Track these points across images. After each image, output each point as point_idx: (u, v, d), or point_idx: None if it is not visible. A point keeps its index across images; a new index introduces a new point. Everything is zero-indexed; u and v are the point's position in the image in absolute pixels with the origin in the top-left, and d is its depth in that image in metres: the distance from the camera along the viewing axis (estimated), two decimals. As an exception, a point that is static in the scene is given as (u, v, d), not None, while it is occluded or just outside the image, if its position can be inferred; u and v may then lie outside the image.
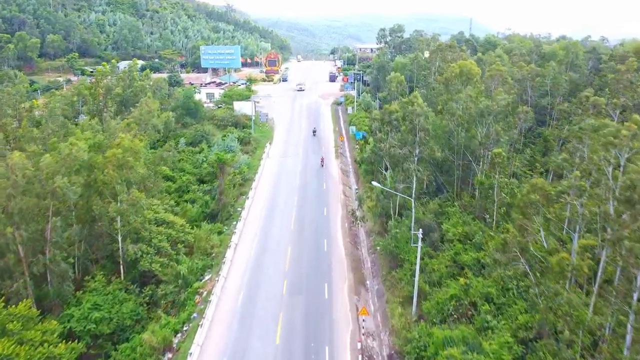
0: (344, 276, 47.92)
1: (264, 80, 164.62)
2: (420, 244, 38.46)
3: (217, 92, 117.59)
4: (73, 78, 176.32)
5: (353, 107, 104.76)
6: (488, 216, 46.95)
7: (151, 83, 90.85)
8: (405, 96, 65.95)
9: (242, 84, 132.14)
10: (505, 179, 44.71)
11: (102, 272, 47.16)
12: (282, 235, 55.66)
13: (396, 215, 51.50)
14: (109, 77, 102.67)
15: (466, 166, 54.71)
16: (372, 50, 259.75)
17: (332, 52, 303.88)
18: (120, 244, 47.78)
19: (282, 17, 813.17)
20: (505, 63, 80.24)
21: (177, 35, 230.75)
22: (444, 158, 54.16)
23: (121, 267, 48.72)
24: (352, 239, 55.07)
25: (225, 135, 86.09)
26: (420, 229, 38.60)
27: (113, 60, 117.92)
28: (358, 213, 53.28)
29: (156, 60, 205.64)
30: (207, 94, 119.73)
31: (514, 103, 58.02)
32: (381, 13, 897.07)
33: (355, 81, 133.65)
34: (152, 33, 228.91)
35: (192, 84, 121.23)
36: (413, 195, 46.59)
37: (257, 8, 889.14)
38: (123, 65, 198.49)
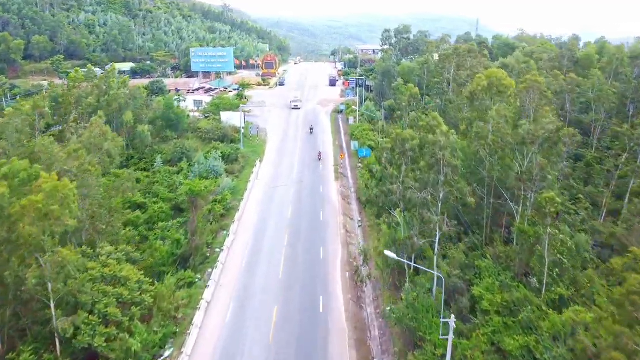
0: (345, 354, 36.36)
1: (259, 84, 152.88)
2: (451, 335, 26.99)
3: (206, 100, 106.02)
4: (58, 82, 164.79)
5: (355, 118, 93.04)
6: (535, 279, 35.28)
7: (127, 91, 79.16)
8: (419, 108, 54.46)
9: (234, 89, 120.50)
10: (559, 232, 33.03)
11: (32, 347, 35.90)
12: (268, 289, 44.06)
13: (411, 269, 39.87)
14: (86, 83, 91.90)
15: (499, 204, 43.08)
16: (374, 51, 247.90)
17: (333, 54, 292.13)
18: (53, 312, 36.33)
19: (282, 18, 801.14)
20: (532, 69, 68.54)
21: (171, 36, 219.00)
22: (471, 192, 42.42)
23: (57, 339, 37.25)
24: (355, 294, 43.46)
25: (208, 153, 74.54)
26: (451, 314, 27.03)
27: (89, 65, 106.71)
28: (363, 270, 41.61)
29: (148, 62, 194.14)
30: (194, 101, 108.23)
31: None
32: (382, 13, 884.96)
33: (357, 87, 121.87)
34: (144, 34, 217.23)
35: (178, 91, 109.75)
36: (435, 251, 34.97)
37: (258, 8, 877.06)
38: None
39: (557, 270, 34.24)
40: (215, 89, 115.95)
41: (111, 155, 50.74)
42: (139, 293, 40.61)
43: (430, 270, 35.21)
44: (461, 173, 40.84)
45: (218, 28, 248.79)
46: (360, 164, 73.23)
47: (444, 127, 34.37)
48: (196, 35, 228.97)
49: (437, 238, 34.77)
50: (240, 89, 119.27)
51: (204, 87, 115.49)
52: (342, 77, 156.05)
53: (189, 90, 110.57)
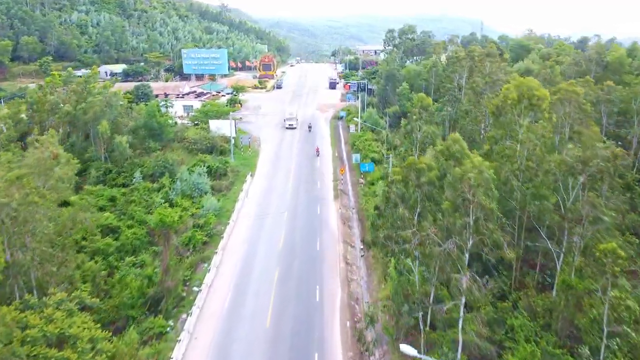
0: None
1: (255, 87, 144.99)
2: None
3: (197, 105, 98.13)
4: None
5: (356, 126, 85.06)
6: (586, 349, 27.35)
7: (104, 98, 71.17)
8: (431, 122, 46.57)
9: (228, 93, 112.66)
10: (623, 296, 25.12)
11: None
12: (252, 344, 36.20)
13: (427, 327, 31.98)
14: (65, 88, 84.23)
15: (532, 239, 35.19)
16: (375, 52, 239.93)
17: (333, 54, 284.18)
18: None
19: (282, 18, 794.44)
20: (556, 75, 60.64)
21: (166, 37, 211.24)
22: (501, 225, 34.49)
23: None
24: (357, 352, 35.57)
25: (193, 167, 66.71)
26: None
27: (69, 68, 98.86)
28: (368, 334, 33.71)
29: (141, 64, 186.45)
30: (184, 106, 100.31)
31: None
32: (382, 14, 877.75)
33: (359, 90, 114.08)
34: (139, 34, 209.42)
35: (166, 96, 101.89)
36: (461, 314, 27.11)
37: (258, 9, 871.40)
38: (104, 70, 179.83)
39: (617, 340, 26.38)
40: (207, 93, 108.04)
41: (64, 181, 42.67)
42: (91, 355, 32.76)
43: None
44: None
45: (215, 28, 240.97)
46: (362, 180, 65.30)
47: (477, 159, 26.37)
48: (192, 36, 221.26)
49: (463, 300, 26.84)
50: (234, 93, 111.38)
51: (195, 91, 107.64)
52: (343, 80, 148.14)
53: (178, 95, 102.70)
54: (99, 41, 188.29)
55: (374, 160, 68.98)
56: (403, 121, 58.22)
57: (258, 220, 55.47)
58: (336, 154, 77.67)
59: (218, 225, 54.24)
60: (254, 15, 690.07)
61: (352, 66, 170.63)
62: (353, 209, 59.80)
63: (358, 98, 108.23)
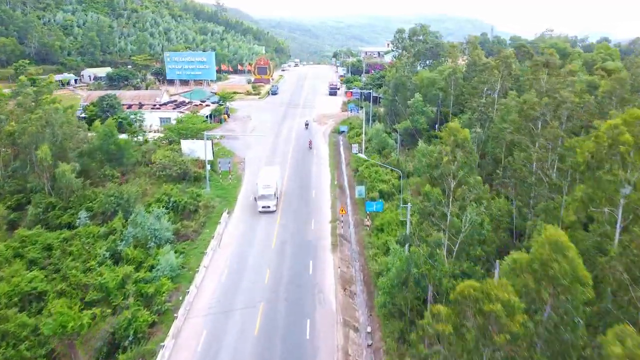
0: None
1: (248, 93, 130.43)
2: None
3: (174, 117, 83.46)
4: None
5: (360, 145, 70.25)
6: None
7: (47, 115, 56.47)
8: (467, 163, 31.86)
9: (214, 102, 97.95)
10: None
11: None
12: None
13: None
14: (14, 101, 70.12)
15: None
16: (379, 53, 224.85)
17: (335, 56, 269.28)
18: None
19: (284, 18, 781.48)
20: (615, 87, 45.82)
21: (157, 38, 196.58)
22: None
23: None
24: None
25: (155, 204, 52.29)
26: None
27: (22, 77, 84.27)
28: None
29: (129, 67, 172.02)
30: (161, 119, 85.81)
31: None
32: (385, 14, 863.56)
33: (362, 99, 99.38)
34: (128, 35, 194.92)
35: (141, 106, 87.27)
36: None
37: (259, 9, 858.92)
38: (87, 73, 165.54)
39: None
40: (189, 102, 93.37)
41: None
42: None
43: None
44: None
45: (210, 29, 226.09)
46: (368, 221, 50.64)
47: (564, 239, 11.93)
48: (185, 37, 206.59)
49: None
50: (220, 102, 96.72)
51: (175, 101, 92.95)
52: (344, 85, 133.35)
53: (154, 106, 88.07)
54: (84, 42, 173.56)
55: (382, 194, 54.30)
56: (420, 155, 43.57)
57: (228, 286, 40.77)
58: (335, 182, 62.89)
59: (174, 295, 39.66)
60: (255, 15, 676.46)
61: (355, 70, 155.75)
62: (356, 262, 45.21)
63: (362, 108, 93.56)
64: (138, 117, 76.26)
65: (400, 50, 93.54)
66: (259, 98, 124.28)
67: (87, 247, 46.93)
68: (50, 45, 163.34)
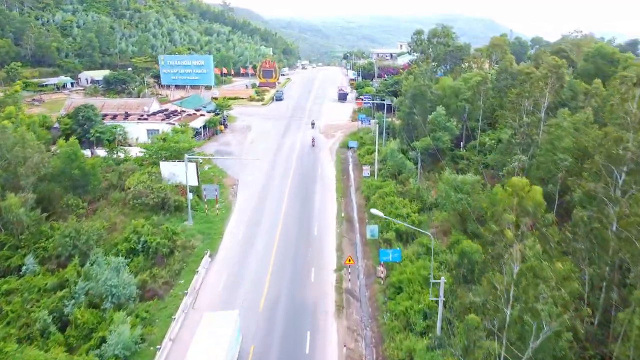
0: None
1: (252, 99, 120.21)
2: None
3: (165, 129, 73.51)
4: (25, 93, 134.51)
5: (372, 165, 59.59)
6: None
7: (3, 133, 46.76)
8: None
9: (210, 111, 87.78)
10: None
11: None
12: None
13: None
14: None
15: None
16: (391, 55, 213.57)
17: (345, 57, 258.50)
18: None
19: (294, 18, 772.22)
20: None
21: (160, 39, 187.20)
22: None
23: None
24: None
25: (117, 246, 42.29)
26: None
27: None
28: None
29: (129, 69, 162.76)
30: (148, 131, 75.86)
31: None
32: (396, 14, 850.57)
33: (374, 108, 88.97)
34: (129, 36, 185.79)
35: (127, 116, 77.31)
36: None
37: (270, 9, 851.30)
38: (84, 76, 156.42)
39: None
40: (181, 112, 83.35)
41: None
42: None
43: None
44: None
45: (216, 29, 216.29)
46: (382, 272, 40.09)
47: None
48: (189, 38, 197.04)
49: None
50: (217, 111, 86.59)
51: (166, 110, 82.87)
52: (355, 91, 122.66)
53: (142, 116, 78.09)
54: (83, 44, 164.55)
55: (399, 235, 43.76)
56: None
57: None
58: (342, 213, 52.29)
59: (123, 389, 29.51)
60: (265, 15, 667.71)
61: (366, 73, 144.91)
62: (367, 329, 34.78)
63: (373, 119, 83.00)
64: (118, 130, 66.39)
65: (417, 54, 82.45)
66: (262, 104, 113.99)
67: (28, 306, 37.05)
68: (47, 47, 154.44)
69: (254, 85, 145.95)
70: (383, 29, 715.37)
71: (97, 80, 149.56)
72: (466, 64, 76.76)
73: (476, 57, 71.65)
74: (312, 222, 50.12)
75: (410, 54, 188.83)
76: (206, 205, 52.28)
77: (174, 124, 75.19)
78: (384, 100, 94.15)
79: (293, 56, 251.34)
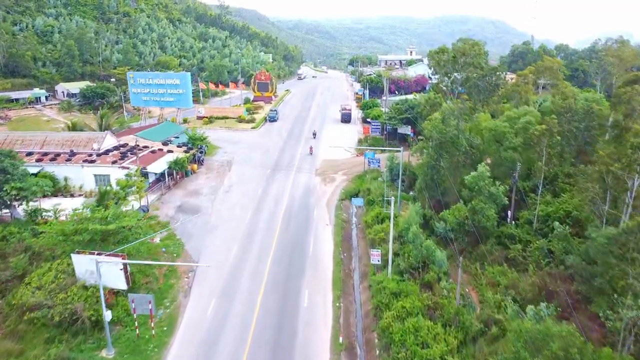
0: None
1: (241, 120, 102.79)
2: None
3: (117, 174, 56.26)
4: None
5: (384, 252, 41.59)
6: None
7: None
8: None
9: (183, 144, 70.16)
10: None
11: None
12: None
13: None
14: None
15: None
16: (401, 63, 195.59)
17: (351, 63, 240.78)
18: None
19: (302, 19, 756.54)
20: None
21: (149, 46, 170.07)
22: None
23: None
24: None
25: None
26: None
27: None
28: None
29: (112, 80, 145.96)
30: (95, 177, 58.61)
31: None
32: (404, 15, 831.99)
33: (387, 138, 71.75)
34: (116, 42, 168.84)
35: (72, 156, 60.00)
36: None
37: (277, 10, 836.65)
38: (61, 89, 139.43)
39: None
40: (143, 147, 65.92)
41: None
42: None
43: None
44: None
45: (212, 34, 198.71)
46: None
47: None
48: (182, 44, 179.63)
49: None
50: (190, 144, 69.09)
51: (125, 145, 65.43)
52: (361, 112, 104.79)
53: (90, 155, 60.74)
54: (62, 52, 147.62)
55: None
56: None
57: None
58: (340, 336, 34.49)
59: None
60: (272, 16, 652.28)
61: (374, 86, 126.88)
62: None
63: (383, 151, 65.23)
64: (44, 187, 49.02)
65: (439, 75, 64.10)
66: (252, 128, 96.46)
67: None
68: (20, 56, 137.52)
69: (247, 101, 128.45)
70: (391, 30, 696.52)
71: (74, 94, 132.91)
72: (502, 90, 58.58)
73: (519, 85, 53.77)
74: (293, 353, 32.43)
75: (421, 62, 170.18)
76: (136, 323, 34.68)
77: (128, 168, 57.74)
78: (395, 127, 76.65)
79: (295, 62, 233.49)
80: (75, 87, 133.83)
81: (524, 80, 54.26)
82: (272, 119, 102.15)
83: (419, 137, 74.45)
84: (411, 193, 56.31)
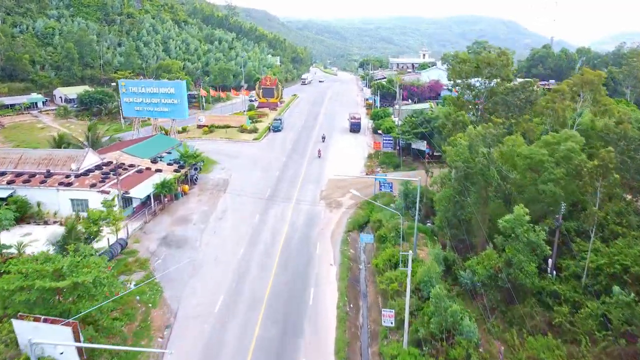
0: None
1: (243, 129, 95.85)
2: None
3: (94, 199, 49.55)
4: None
5: (398, 305, 34.18)
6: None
7: None
8: None
9: (172, 162, 63.18)
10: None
11: None
12: None
13: None
14: None
15: None
16: (413, 66, 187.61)
17: (361, 66, 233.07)
18: None
19: (312, 19, 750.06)
20: None
21: (152, 48, 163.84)
22: None
23: None
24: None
25: None
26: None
27: None
28: None
29: (113, 84, 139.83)
30: (72, 202, 51.89)
31: None
32: (415, 14, 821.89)
33: (401, 153, 64.54)
34: (119, 44, 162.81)
35: (47, 177, 53.35)
36: None
37: (287, 10, 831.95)
38: (59, 94, 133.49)
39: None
40: (129, 166, 59.14)
41: None
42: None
43: None
44: None
45: (218, 36, 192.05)
46: None
47: None
48: (186, 46, 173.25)
49: None
50: (182, 162, 62.13)
51: (109, 164, 58.63)
52: (372, 122, 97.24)
53: (68, 176, 54.03)
54: (61, 55, 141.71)
55: None
56: None
57: None
58: None
59: None
60: (282, 17, 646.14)
61: (385, 92, 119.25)
62: None
63: (396, 167, 57.62)
64: (2, 220, 42.21)
65: (459, 88, 56.18)
66: (254, 139, 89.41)
67: None
68: (17, 59, 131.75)
69: (251, 108, 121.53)
70: (402, 31, 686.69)
71: (72, 99, 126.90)
72: (536, 107, 50.77)
73: (556, 100, 46.05)
74: None
75: (434, 66, 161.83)
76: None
77: (108, 193, 50.94)
78: (410, 142, 69.26)
79: (304, 64, 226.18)
80: (73, 92, 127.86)
81: (561, 97, 46.47)
82: (276, 129, 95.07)
83: (435, 154, 66.98)
84: (428, 224, 48.89)
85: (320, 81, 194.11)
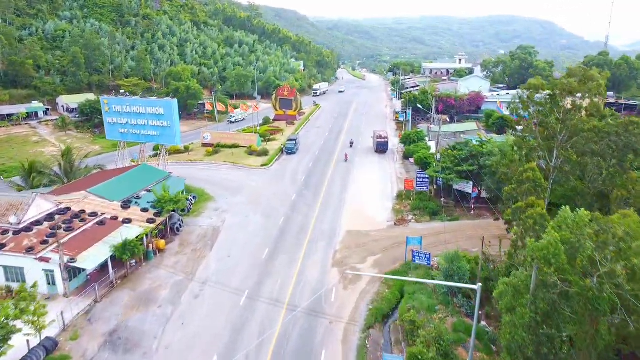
0: None
1: (252, 150, 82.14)
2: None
3: (33, 269, 36.54)
4: None
5: None
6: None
7: None
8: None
9: (151, 206, 49.63)
10: None
11: None
12: None
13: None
14: None
15: None
16: (448, 72, 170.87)
17: (391, 70, 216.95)
18: None
19: (342, 19, 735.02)
20: None
21: (167, 52, 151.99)
22: None
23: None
24: None
25: None
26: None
27: None
28: None
29: (121, 91, 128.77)
30: (5, 269, 38.90)
31: None
32: (448, 14, 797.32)
33: (440, 193, 49.67)
34: (132, 48, 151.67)
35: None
36: None
37: (317, 10, 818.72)
38: (62, 102, 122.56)
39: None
40: (91, 215, 45.93)
41: None
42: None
43: None
44: None
45: (238, 39, 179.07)
46: None
47: None
48: (203, 50, 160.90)
49: None
50: (159, 209, 48.52)
51: (62, 212, 45.57)
52: (401, 145, 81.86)
53: (4, 233, 41.18)
54: (67, 59, 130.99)
55: None
56: None
57: None
58: None
59: None
60: (311, 16, 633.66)
61: (417, 104, 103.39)
62: None
63: (436, 215, 42.53)
64: None
65: (526, 124, 40.44)
66: (263, 165, 75.46)
67: None
68: (20, 64, 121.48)
69: (266, 121, 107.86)
70: (433, 31, 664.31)
71: (74, 109, 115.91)
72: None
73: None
74: None
75: (471, 72, 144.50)
76: None
77: (48, 260, 37.70)
78: (450, 182, 54.19)
79: (330, 69, 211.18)
80: (76, 100, 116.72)
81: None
82: (290, 151, 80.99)
83: (482, 195, 51.58)
84: (483, 324, 33.84)
85: (340, 91, 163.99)
